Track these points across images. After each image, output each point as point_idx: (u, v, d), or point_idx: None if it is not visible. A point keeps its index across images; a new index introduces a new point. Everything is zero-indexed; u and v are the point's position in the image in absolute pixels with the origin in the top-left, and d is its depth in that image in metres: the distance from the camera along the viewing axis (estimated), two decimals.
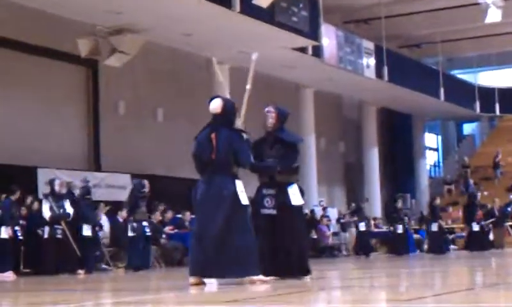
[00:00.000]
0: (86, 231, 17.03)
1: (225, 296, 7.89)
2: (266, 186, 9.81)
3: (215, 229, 8.77)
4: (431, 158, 42.10)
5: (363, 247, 25.90)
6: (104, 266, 18.48)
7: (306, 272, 9.73)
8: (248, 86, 9.93)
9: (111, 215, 19.80)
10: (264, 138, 10.10)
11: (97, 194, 21.25)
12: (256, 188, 9.96)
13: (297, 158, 10.02)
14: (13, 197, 16.58)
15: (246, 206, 8.95)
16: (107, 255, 18.94)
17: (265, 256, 9.31)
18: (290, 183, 9.81)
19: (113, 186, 21.99)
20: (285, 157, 9.81)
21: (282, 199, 9.67)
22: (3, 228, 16.20)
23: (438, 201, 25.51)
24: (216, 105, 9.35)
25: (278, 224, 9.61)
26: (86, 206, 17.30)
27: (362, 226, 26.18)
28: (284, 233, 9.61)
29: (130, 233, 17.42)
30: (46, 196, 16.62)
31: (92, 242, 17.38)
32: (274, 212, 9.64)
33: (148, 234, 17.76)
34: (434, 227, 24.39)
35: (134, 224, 17.34)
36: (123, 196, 20.53)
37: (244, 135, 9.21)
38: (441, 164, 42.90)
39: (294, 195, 9.76)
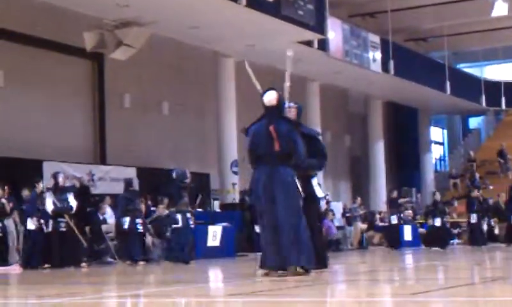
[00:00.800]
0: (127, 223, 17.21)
1: (235, 289, 7.89)
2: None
3: (290, 217, 8.87)
4: (436, 152, 42.04)
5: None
6: (109, 259, 18.47)
7: (325, 264, 10.08)
8: (287, 83, 10.01)
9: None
10: None
11: (102, 187, 21.30)
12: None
13: (320, 150, 10.40)
14: (37, 190, 16.70)
15: (302, 196, 9.08)
16: (113, 248, 18.93)
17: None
18: (312, 176, 10.25)
19: (118, 179, 21.98)
20: (319, 155, 10.21)
21: (308, 190, 9.94)
22: (29, 220, 16.35)
23: (438, 196, 25.46)
24: (272, 97, 9.36)
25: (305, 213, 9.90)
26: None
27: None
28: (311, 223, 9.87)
29: (174, 224, 16.86)
30: (49, 190, 16.62)
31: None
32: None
33: (192, 226, 17.48)
34: (438, 222, 24.35)
35: (178, 216, 16.78)
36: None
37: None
38: (446, 158, 42.83)
39: (317, 187, 10.26)
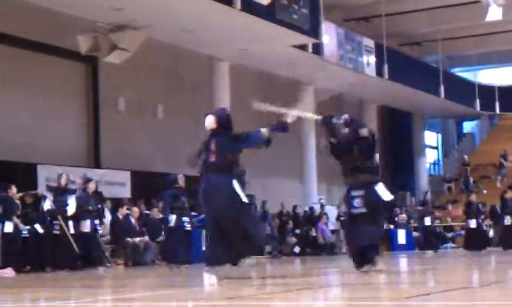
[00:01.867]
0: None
1: (230, 293, 7.89)
2: (353, 188, 10.59)
3: (222, 222, 9.54)
4: (430, 156, 42.09)
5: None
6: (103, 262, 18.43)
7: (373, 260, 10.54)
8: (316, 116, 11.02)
9: (111, 212, 19.75)
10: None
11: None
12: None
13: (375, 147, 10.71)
14: (89, 191, 16.74)
15: (243, 202, 9.67)
16: (108, 252, 18.90)
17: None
18: (375, 182, 10.54)
19: (113, 183, 21.99)
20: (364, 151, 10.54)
21: (372, 198, 10.38)
22: (82, 222, 16.44)
23: (428, 195, 25.42)
24: (209, 122, 10.02)
25: (369, 221, 10.38)
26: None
27: None
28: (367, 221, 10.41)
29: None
30: (51, 190, 16.61)
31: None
32: (364, 210, 10.36)
33: (188, 228, 17.28)
34: (427, 221, 24.34)
35: (172, 217, 16.85)
36: (122, 192, 20.53)
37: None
38: (441, 162, 42.88)
39: (383, 191, 10.50)
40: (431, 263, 13.04)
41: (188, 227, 17.63)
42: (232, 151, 9.83)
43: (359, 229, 10.36)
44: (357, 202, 10.42)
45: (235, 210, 9.53)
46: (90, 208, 16.87)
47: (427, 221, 24.21)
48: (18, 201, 16.31)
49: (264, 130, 10.06)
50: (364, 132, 10.57)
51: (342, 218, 28.23)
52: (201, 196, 9.87)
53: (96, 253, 17.06)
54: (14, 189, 16.17)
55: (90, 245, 16.87)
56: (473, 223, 24.31)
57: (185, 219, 17.40)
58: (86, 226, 16.74)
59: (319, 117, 10.85)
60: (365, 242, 10.34)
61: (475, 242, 24.03)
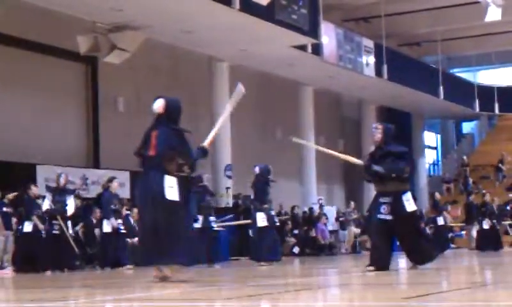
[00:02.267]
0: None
1: (225, 293, 7.90)
2: (382, 194, 10.92)
3: (149, 222, 9.18)
4: (430, 156, 42.12)
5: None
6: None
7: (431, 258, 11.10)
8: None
9: None
10: (373, 152, 11.31)
11: (95, 191, 21.26)
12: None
13: (405, 167, 10.99)
14: (112, 190, 16.82)
15: (172, 201, 9.20)
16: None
17: (378, 253, 10.85)
18: (404, 192, 10.88)
19: None
20: (393, 164, 10.89)
21: (397, 206, 10.74)
22: (105, 222, 16.42)
23: (438, 195, 25.34)
24: (158, 105, 9.65)
25: (394, 229, 10.84)
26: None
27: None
28: (402, 238, 10.96)
29: (260, 223, 16.19)
30: (50, 190, 16.62)
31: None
32: (389, 217, 10.72)
33: (277, 224, 16.91)
34: (440, 221, 24.21)
35: (263, 215, 16.17)
36: (122, 193, 20.48)
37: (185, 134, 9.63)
38: (440, 163, 42.91)
39: (408, 202, 10.83)
40: (437, 263, 13.03)
41: (215, 227, 17.50)
42: (176, 149, 9.34)
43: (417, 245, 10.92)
44: (384, 209, 10.77)
45: (163, 210, 9.12)
46: (113, 207, 16.81)
47: (440, 221, 24.10)
48: (39, 201, 16.38)
49: (204, 146, 9.82)
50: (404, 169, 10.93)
51: (341, 219, 28.34)
52: (136, 195, 9.61)
53: (121, 253, 16.94)
54: (34, 189, 16.22)
55: (115, 244, 16.82)
56: (486, 224, 24.24)
57: (212, 218, 17.27)
58: (110, 225, 16.70)
59: (359, 162, 11.30)
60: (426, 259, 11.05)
61: (489, 242, 23.96)
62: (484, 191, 31.39)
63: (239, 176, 24.93)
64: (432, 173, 42.08)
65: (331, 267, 14.87)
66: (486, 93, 38.83)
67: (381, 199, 10.87)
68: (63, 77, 22.41)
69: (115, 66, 21.66)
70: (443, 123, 43.23)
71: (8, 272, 15.30)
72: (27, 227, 15.94)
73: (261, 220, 16.14)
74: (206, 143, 9.84)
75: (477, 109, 38.14)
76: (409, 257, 11.25)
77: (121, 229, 17.14)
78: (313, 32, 24.14)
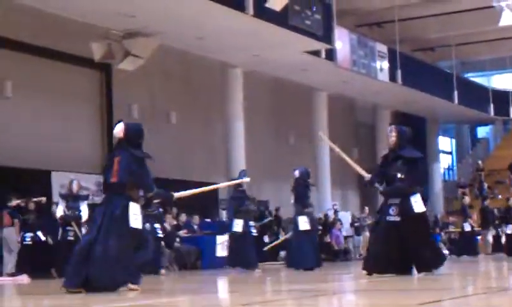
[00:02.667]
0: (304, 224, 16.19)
1: (241, 299, 7.88)
2: (392, 196, 11.00)
3: (100, 249, 8.99)
4: (444, 161, 41.96)
5: None
6: None
7: (441, 261, 11.12)
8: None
9: None
10: (387, 155, 11.37)
11: None
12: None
13: (420, 172, 11.32)
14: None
15: (135, 229, 9.16)
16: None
17: (378, 257, 10.83)
18: (413, 193, 10.95)
19: None
20: (408, 174, 10.94)
21: (406, 207, 10.80)
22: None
23: (467, 199, 25.09)
24: (118, 130, 9.54)
25: (401, 230, 10.80)
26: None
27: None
28: (408, 238, 10.80)
29: (302, 227, 15.93)
30: (62, 197, 16.65)
31: None
32: (398, 218, 10.77)
33: (319, 229, 16.77)
34: (467, 226, 24.05)
35: (305, 219, 15.96)
36: None
37: (146, 160, 9.55)
38: (455, 168, 42.75)
39: (417, 203, 10.88)
40: (454, 269, 12.98)
41: (254, 232, 17.41)
42: (134, 175, 9.27)
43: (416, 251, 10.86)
44: (393, 210, 10.83)
45: (126, 238, 9.07)
46: (149, 210, 16.78)
47: (467, 227, 23.97)
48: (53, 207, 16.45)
49: (172, 193, 9.79)
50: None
51: (356, 224, 28.26)
52: (96, 217, 9.36)
53: (158, 257, 16.86)
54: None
55: (153, 249, 16.74)
56: (510, 229, 24.06)
57: (252, 223, 17.14)
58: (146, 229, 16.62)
59: (367, 177, 11.34)
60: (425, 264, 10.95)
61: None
62: (500, 196, 31.29)
63: (252, 182, 24.89)
64: (447, 177, 41.91)
65: (346, 273, 14.83)
66: (501, 98, 38.67)
67: (390, 200, 10.95)
68: (77, 84, 22.46)
69: (129, 73, 21.70)
70: (458, 128, 43.08)
71: (24, 278, 15.32)
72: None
73: (303, 223, 15.91)
74: (177, 194, 9.80)
75: (492, 114, 37.99)
76: (413, 263, 11.08)
77: (158, 233, 17.07)
78: (327, 37, 24.11)
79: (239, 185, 16.68)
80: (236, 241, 16.73)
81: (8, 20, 19.94)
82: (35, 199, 16.18)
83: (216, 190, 25.43)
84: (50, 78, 21.54)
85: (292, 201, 16.41)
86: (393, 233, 10.81)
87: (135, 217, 9.14)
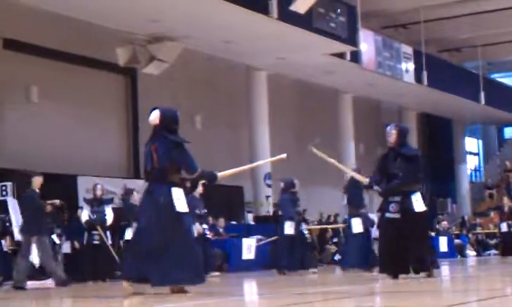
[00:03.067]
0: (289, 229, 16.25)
1: (266, 303, 7.87)
2: (392, 193, 10.99)
3: (155, 237, 8.85)
4: (471, 162, 41.71)
5: None
6: None
7: (427, 269, 10.87)
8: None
9: None
10: (386, 154, 11.32)
11: (137, 201, 21.36)
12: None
13: (418, 170, 11.14)
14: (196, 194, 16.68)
15: (182, 213, 9.01)
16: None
17: (388, 257, 10.77)
18: (414, 192, 10.94)
19: None
20: (406, 172, 10.92)
21: (406, 205, 10.80)
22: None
23: (505, 200, 24.86)
24: (153, 117, 9.53)
25: (402, 228, 10.75)
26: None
27: None
28: (409, 236, 10.74)
29: (356, 229, 15.74)
30: (87, 201, 16.72)
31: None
32: (398, 216, 10.76)
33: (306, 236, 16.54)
34: (504, 227, 23.83)
35: (359, 221, 15.75)
36: None
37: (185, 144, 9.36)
38: (482, 169, 42.49)
39: (417, 202, 10.88)
40: (479, 270, 12.91)
41: (306, 234, 17.28)
42: (175, 161, 9.12)
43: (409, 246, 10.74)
44: (393, 207, 10.79)
45: (173, 223, 8.90)
46: (198, 211, 16.70)
47: (504, 227, 23.78)
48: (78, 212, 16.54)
49: (215, 173, 9.51)
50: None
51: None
52: (142, 209, 9.32)
53: (209, 259, 16.80)
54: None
55: (203, 250, 16.73)
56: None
57: (304, 225, 17.08)
58: (195, 230, 16.55)
59: (365, 181, 11.32)
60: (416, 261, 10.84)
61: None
62: None
63: (278, 185, 24.88)
64: (474, 179, 41.67)
65: (372, 275, 14.75)
66: None
67: (390, 198, 10.93)
68: (103, 89, 22.58)
69: (154, 77, 21.77)
70: (485, 129, 42.82)
71: (51, 282, 15.39)
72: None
73: (356, 226, 15.74)
74: (221, 173, 9.59)
75: None
76: (410, 264, 10.91)
77: (207, 234, 17.05)
78: (352, 39, 24.04)
79: (293, 186, 16.52)
80: (288, 243, 16.29)
81: (34, 27, 20.09)
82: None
83: (241, 192, 25.48)
84: (76, 84, 21.66)
85: (345, 202, 16.26)
86: (393, 231, 10.79)
87: (179, 201, 9.01)
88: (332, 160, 11.29)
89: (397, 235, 10.76)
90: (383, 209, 11.06)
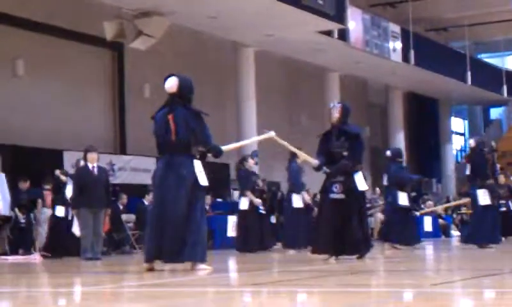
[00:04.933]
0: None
1: (249, 280, 7.87)
2: (334, 174, 10.82)
3: (177, 211, 8.57)
4: (457, 142, 41.84)
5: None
6: (128, 249, 18.52)
7: (358, 251, 10.75)
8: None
9: (137, 198, 19.78)
10: (329, 131, 11.09)
11: (122, 177, 21.35)
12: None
13: (362, 149, 11.09)
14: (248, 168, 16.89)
15: (204, 187, 8.78)
16: (133, 238, 18.97)
17: (332, 237, 10.56)
18: (356, 171, 10.84)
19: (138, 169, 22.03)
20: (352, 150, 10.79)
21: (349, 185, 10.70)
22: (243, 199, 16.65)
23: (502, 178, 24.57)
24: (171, 84, 9.06)
25: (345, 208, 10.65)
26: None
27: None
28: (352, 217, 10.65)
29: (482, 201, 14.83)
30: (71, 177, 16.65)
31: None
32: (342, 196, 10.65)
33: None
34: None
35: (485, 192, 14.87)
36: (148, 179, 20.49)
37: (203, 115, 9.04)
38: (467, 149, 42.62)
39: (360, 181, 10.81)
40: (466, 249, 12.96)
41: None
42: (195, 131, 8.75)
43: (347, 224, 10.63)
44: (336, 187, 10.66)
45: (196, 197, 8.64)
46: (257, 187, 16.84)
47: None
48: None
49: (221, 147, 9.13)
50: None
51: (368, 205, 28.20)
52: (158, 181, 8.84)
53: (267, 234, 16.93)
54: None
55: (259, 225, 16.69)
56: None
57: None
58: (247, 201, 16.57)
59: (315, 163, 10.92)
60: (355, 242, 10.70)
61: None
62: None
63: (264, 162, 24.91)
64: (459, 159, 41.81)
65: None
66: None
67: (333, 179, 10.78)
68: (89, 63, 22.47)
69: (141, 52, 21.68)
70: (471, 109, 42.93)
71: (36, 257, 15.38)
72: (59, 211, 16.11)
73: (483, 197, 14.84)
74: (225, 147, 9.33)
75: (505, 95, 37.80)
76: (341, 244, 10.66)
77: (260, 209, 16.95)
78: (340, 17, 23.99)
79: (399, 156, 16.31)
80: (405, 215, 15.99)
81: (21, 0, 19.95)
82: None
83: (227, 169, 25.47)
84: (62, 58, 21.54)
85: (468, 172, 15.45)
86: (338, 211, 10.64)
87: (201, 174, 8.71)
88: (288, 146, 11.05)
89: (341, 216, 10.62)
90: (325, 189, 10.85)
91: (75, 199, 14.50)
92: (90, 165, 14.46)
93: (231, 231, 20.00)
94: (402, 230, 15.71)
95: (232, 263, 12.22)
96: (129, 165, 21.96)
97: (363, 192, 10.96)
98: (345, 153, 10.75)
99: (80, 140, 21.27)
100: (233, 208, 21.80)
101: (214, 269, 8.82)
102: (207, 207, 20.64)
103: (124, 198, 19.21)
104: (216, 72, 26.35)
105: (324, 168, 10.89)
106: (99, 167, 14.67)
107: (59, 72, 21.53)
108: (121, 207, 19.04)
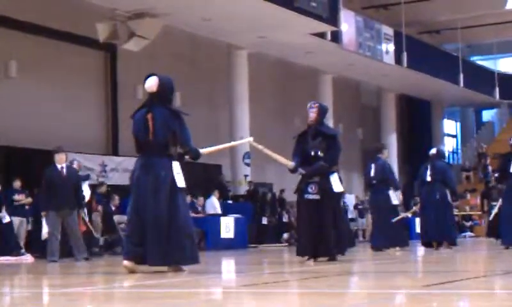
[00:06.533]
0: None
1: (242, 281, 7.88)
2: (309, 175, 10.73)
3: (158, 215, 8.44)
4: (449, 144, 41.92)
5: None
6: (121, 249, 18.48)
7: (330, 254, 10.60)
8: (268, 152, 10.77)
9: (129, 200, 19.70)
10: (306, 131, 11.01)
11: (114, 178, 21.33)
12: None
13: (339, 150, 10.94)
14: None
15: (182, 188, 8.67)
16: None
17: (311, 238, 10.50)
18: (332, 172, 10.81)
19: (130, 170, 21.99)
20: (328, 151, 10.71)
21: (325, 185, 10.62)
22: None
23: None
24: (151, 84, 8.84)
25: (320, 209, 10.55)
26: None
27: None
28: (326, 218, 10.56)
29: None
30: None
31: None
32: (318, 197, 10.57)
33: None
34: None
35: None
36: None
37: (183, 115, 8.98)
38: (459, 151, 42.71)
39: (335, 182, 10.77)
40: (457, 251, 12.97)
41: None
42: (175, 132, 8.64)
43: (324, 229, 10.55)
44: (312, 188, 10.59)
45: (174, 199, 8.50)
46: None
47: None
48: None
49: (198, 150, 9.01)
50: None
51: (360, 207, 28.27)
52: (136, 182, 8.74)
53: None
54: None
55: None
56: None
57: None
58: None
59: (291, 165, 10.77)
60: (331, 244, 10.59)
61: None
62: None
63: (256, 164, 24.93)
64: (451, 161, 41.87)
65: (349, 254, 14.80)
66: (507, 81, 38.56)
67: (309, 179, 10.69)
68: (82, 64, 22.45)
69: (134, 54, 21.67)
70: (463, 111, 43.01)
71: (28, 258, 15.34)
72: None
73: None
74: (203, 150, 9.16)
75: (497, 97, 37.90)
76: (316, 246, 10.61)
77: None
78: (333, 19, 24.04)
79: (443, 156, 16.65)
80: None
81: (13, 0, 19.91)
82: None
83: (221, 172, 25.47)
84: (55, 59, 21.53)
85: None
86: (313, 212, 10.56)
87: (179, 176, 8.61)
88: (267, 151, 10.89)
89: (317, 217, 10.54)
90: (300, 190, 10.76)
91: (43, 200, 14.22)
92: (59, 166, 14.14)
93: (225, 233, 20.03)
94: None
95: (225, 264, 12.23)
96: (121, 166, 21.94)
97: (338, 194, 10.90)
98: (321, 154, 10.66)
99: (73, 141, 21.28)
100: (225, 209, 21.83)
101: (204, 270, 8.82)
102: (199, 208, 20.69)
103: (116, 199, 19.16)
104: (209, 74, 26.36)
105: (300, 169, 10.77)
106: (68, 168, 14.37)
107: (52, 73, 21.51)
108: (113, 208, 19.01)
